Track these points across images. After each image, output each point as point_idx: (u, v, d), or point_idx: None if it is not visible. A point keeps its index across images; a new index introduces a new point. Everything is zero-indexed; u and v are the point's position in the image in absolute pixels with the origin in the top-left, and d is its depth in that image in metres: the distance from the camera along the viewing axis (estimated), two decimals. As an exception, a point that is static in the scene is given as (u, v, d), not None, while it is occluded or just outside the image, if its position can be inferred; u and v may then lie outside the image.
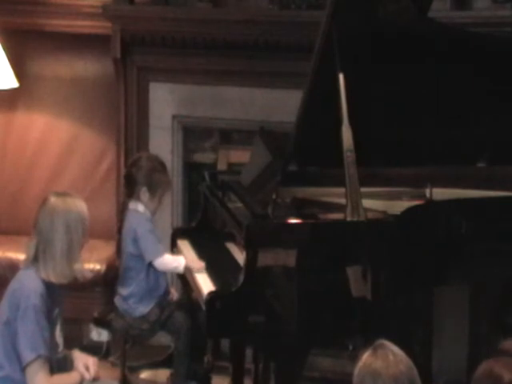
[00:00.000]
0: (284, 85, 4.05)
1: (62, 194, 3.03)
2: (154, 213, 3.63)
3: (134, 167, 3.62)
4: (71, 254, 2.97)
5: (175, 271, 3.58)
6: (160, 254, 3.53)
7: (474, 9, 3.90)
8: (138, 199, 3.57)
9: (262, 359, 3.50)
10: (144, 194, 3.54)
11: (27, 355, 2.84)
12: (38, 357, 2.84)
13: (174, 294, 3.70)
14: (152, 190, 3.55)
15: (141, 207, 3.59)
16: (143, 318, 3.58)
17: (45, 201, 2.99)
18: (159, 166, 3.62)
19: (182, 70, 4.31)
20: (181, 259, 3.50)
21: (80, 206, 3.01)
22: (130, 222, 3.63)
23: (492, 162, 3.51)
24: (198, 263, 3.43)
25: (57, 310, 3.03)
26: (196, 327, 3.61)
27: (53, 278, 2.95)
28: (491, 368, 1.38)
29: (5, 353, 2.91)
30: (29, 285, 2.92)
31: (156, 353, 4.18)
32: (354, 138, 3.05)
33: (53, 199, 2.98)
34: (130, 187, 3.62)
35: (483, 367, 1.39)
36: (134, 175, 3.58)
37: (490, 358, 1.42)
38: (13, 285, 3.00)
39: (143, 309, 3.57)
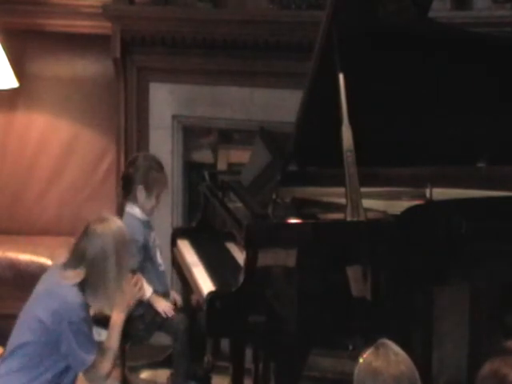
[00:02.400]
0: (284, 85, 4.05)
1: (104, 220, 3.02)
2: (151, 212, 3.63)
3: (130, 167, 3.63)
4: (121, 280, 3.04)
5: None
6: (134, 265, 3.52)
7: (474, 9, 3.90)
8: (135, 199, 3.57)
9: (262, 359, 3.50)
10: (140, 192, 3.54)
11: (86, 359, 2.99)
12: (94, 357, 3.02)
13: (178, 299, 3.69)
14: (148, 188, 3.55)
15: (137, 210, 3.58)
16: (139, 318, 3.57)
17: (88, 229, 2.98)
18: (156, 165, 3.62)
19: (181, 70, 4.31)
20: (149, 289, 3.52)
21: (123, 228, 3.06)
22: (126, 226, 3.63)
23: (492, 162, 3.51)
24: (166, 307, 3.54)
25: None
26: (196, 327, 3.61)
27: (106, 308, 3.17)
28: (497, 368, 1.37)
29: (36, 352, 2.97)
30: (74, 300, 2.97)
31: (156, 353, 4.18)
32: (354, 137, 3.06)
33: (98, 227, 2.98)
34: (126, 187, 3.63)
35: (488, 367, 1.38)
36: (131, 175, 3.59)
37: (494, 358, 1.41)
38: (53, 299, 3.00)
39: (139, 309, 3.56)
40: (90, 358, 3.00)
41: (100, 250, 2.96)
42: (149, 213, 3.63)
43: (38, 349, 2.96)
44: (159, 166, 3.61)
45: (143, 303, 3.51)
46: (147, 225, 3.63)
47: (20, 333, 3.04)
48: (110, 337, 3.18)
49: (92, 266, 2.98)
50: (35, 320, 2.98)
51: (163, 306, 3.53)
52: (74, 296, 2.97)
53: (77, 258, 3.00)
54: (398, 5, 3.24)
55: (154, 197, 3.57)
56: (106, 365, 3.08)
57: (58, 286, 3.01)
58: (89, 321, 3.11)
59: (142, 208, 3.58)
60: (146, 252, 3.58)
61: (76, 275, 2.99)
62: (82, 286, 2.98)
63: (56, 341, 2.96)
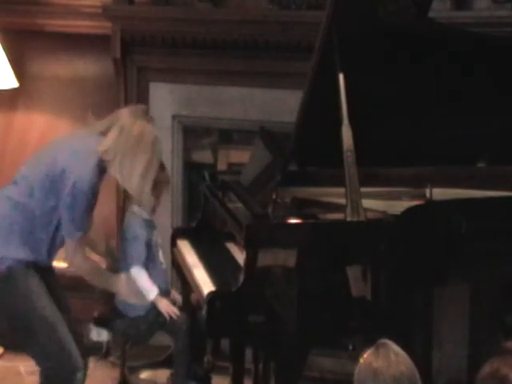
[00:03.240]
0: (284, 85, 4.05)
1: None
2: (152, 211, 3.64)
3: None
4: (147, 180, 3.28)
5: (143, 293, 3.55)
6: (141, 264, 3.57)
7: (474, 9, 3.90)
8: None
9: (262, 359, 3.51)
10: None
11: (74, 233, 3.19)
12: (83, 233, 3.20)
13: (178, 299, 3.71)
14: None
15: (139, 209, 3.60)
16: (141, 318, 3.58)
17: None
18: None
19: (181, 70, 4.31)
20: (155, 290, 3.56)
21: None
22: (126, 223, 3.68)
23: (492, 162, 3.52)
24: (169, 308, 3.56)
25: None
26: (196, 327, 3.61)
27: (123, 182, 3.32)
28: (497, 368, 1.37)
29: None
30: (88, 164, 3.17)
31: (156, 353, 4.19)
32: (354, 137, 3.06)
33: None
34: None
35: (488, 367, 1.38)
36: None
37: (494, 358, 1.40)
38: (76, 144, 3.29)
39: (141, 309, 3.57)
40: (78, 234, 3.18)
41: (137, 131, 3.23)
42: (150, 212, 3.63)
43: (40, 183, 3.17)
44: (161, 166, 3.62)
45: (146, 304, 3.56)
46: (149, 224, 3.65)
47: (31, 166, 3.27)
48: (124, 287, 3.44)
49: (124, 135, 3.22)
50: (51, 157, 3.19)
51: (166, 307, 3.55)
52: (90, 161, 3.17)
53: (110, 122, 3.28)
54: (398, 5, 3.24)
55: (155, 196, 3.57)
56: (82, 263, 3.26)
57: (86, 136, 3.29)
58: (93, 194, 3.21)
59: (144, 207, 3.58)
60: (149, 250, 3.61)
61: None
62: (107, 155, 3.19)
63: (57, 191, 3.15)
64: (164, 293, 3.63)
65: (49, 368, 3.18)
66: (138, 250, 3.58)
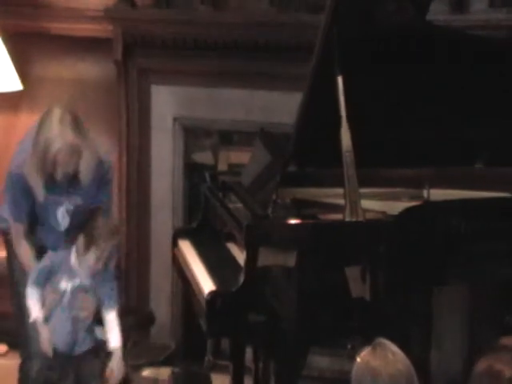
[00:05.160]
0: (284, 86, 4.05)
1: None
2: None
3: None
4: None
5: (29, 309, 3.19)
6: (33, 285, 3.19)
7: (471, 12, 3.89)
8: None
9: (262, 358, 3.50)
10: None
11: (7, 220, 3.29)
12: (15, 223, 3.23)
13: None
14: None
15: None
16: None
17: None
18: None
19: (183, 72, 4.31)
20: (38, 315, 3.16)
21: None
22: None
23: (490, 163, 3.51)
24: (46, 343, 3.14)
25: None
26: (196, 326, 3.60)
27: None
28: (491, 364, 1.36)
29: None
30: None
31: (157, 352, 4.19)
32: (352, 138, 3.05)
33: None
34: None
35: (483, 363, 1.37)
36: None
37: (489, 354, 1.39)
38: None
39: None
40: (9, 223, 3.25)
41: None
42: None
43: None
44: None
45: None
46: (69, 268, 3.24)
47: None
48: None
49: None
50: None
51: (44, 339, 3.15)
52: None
53: None
54: (396, 8, 3.24)
55: None
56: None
57: None
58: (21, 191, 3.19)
59: None
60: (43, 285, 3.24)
61: None
62: None
63: None
64: (67, 346, 3.20)
65: None
66: (35, 271, 3.23)
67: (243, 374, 3.63)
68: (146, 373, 4.08)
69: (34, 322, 3.14)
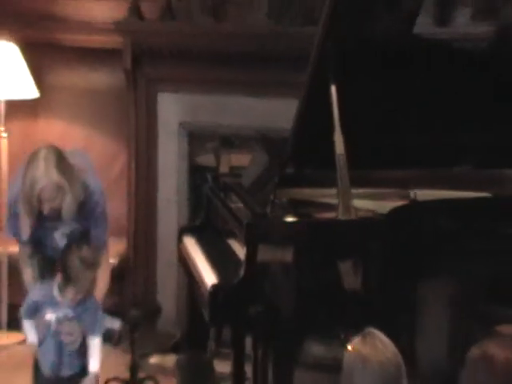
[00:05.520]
0: (281, 94, 4.04)
1: None
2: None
3: None
4: None
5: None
6: (25, 316, 3.15)
7: (454, 25, 3.89)
8: None
9: (261, 347, 3.50)
10: None
11: None
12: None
13: None
14: None
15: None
16: None
17: None
18: None
19: (187, 81, 4.32)
20: (33, 341, 3.14)
21: None
22: None
23: (474, 166, 3.51)
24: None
25: None
26: (199, 317, 3.60)
27: None
28: (485, 349, 1.36)
29: None
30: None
31: (163, 340, 4.19)
32: (346, 142, 3.04)
33: None
34: None
35: (477, 349, 1.36)
36: None
37: (485, 340, 1.38)
38: None
39: None
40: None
41: None
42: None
43: None
44: None
45: None
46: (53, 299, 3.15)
47: None
48: None
49: None
50: None
51: None
52: None
53: None
54: (387, 21, 3.23)
55: None
56: None
57: None
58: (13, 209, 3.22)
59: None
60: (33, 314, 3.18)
61: None
62: None
63: None
64: (53, 369, 3.13)
65: None
66: (25, 304, 3.18)
67: (243, 361, 3.63)
68: (153, 360, 4.09)
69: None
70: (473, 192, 3.39)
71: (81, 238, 3.26)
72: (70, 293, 3.05)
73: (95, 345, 3.10)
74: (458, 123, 3.36)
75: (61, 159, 3.18)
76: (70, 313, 3.08)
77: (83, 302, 3.09)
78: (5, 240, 4.24)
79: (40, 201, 3.12)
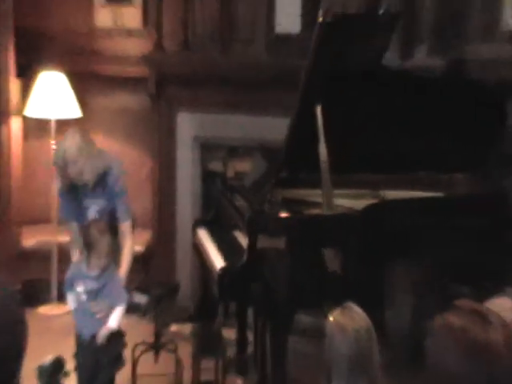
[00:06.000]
0: (276, 112, 4.02)
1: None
2: (88, 264, 3.09)
3: None
4: None
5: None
6: (69, 291, 3.08)
7: (415, 58, 3.87)
8: None
9: (260, 318, 3.49)
10: None
11: None
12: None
13: None
14: None
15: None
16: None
17: None
18: None
19: (200, 102, 4.31)
20: (74, 307, 3.07)
21: None
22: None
23: (429, 171, 3.49)
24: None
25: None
26: (210, 294, 3.59)
27: None
28: (445, 319, 1.34)
29: None
30: None
31: (181, 313, 4.17)
32: (328, 151, 3.04)
33: None
34: None
35: (439, 319, 1.34)
36: None
37: (446, 313, 1.36)
38: None
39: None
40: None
41: None
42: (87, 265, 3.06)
43: None
44: None
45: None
46: (84, 275, 3.07)
47: None
48: None
49: None
50: None
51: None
52: None
53: None
54: (362, 55, 3.23)
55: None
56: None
57: None
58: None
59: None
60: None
61: None
62: None
63: None
64: (86, 335, 3.05)
65: None
66: (66, 280, 3.12)
67: (246, 329, 3.63)
68: (173, 328, 4.07)
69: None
70: (429, 192, 3.39)
71: (109, 216, 3.24)
72: (94, 262, 2.99)
73: (118, 310, 3.05)
74: (418, 137, 3.35)
75: (84, 134, 3.26)
76: (95, 285, 3.03)
77: (106, 272, 3.02)
78: (55, 230, 4.27)
79: (66, 165, 3.13)
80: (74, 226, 3.35)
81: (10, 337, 1.20)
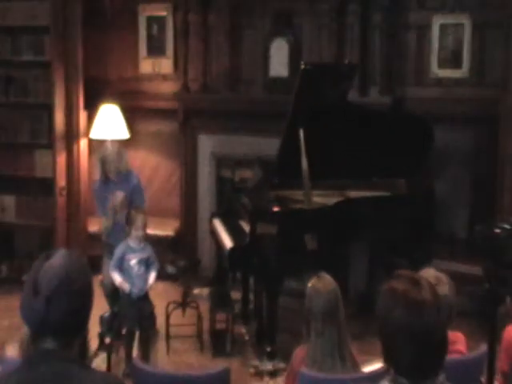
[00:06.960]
0: (270, 135, 3.98)
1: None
2: (136, 239, 3.03)
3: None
4: None
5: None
6: (113, 267, 2.99)
7: (370, 97, 3.88)
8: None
9: (259, 283, 3.49)
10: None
11: None
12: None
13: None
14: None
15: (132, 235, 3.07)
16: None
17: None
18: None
19: (215, 128, 4.30)
20: (121, 281, 2.96)
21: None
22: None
23: (380, 178, 3.49)
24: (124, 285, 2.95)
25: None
26: (222, 266, 3.59)
27: None
28: (389, 284, 1.33)
29: None
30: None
31: (202, 280, 4.13)
32: (308, 163, 3.04)
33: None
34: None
35: (386, 284, 1.33)
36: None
37: (390, 279, 1.34)
38: None
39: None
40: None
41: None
42: (135, 240, 3.00)
43: None
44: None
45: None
46: (132, 249, 3.00)
47: None
48: None
49: None
50: None
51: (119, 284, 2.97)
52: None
53: None
54: (333, 94, 3.22)
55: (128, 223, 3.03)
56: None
57: None
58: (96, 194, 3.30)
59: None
60: (121, 263, 3.00)
61: None
62: None
63: None
64: (138, 292, 2.97)
65: None
66: (113, 260, 3.02)
67: (248, 291, 3.63)
68: (196, 291, 4.05)
69: (120, 284, 2.98)
70: (379, 192, 3.39)
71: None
72: (134, 234, 2.97)
73: (152, 273, 3.01)
74: (372, 153, 3.35)
75: (119, 145, 3.52)
76: (144, 255, 3.00)
77: (145, 244, 3.01)
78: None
79: (107, 169, 3.29)
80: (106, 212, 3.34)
81: (90, 289, 1.29)
